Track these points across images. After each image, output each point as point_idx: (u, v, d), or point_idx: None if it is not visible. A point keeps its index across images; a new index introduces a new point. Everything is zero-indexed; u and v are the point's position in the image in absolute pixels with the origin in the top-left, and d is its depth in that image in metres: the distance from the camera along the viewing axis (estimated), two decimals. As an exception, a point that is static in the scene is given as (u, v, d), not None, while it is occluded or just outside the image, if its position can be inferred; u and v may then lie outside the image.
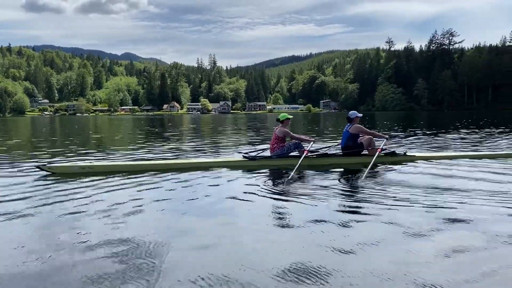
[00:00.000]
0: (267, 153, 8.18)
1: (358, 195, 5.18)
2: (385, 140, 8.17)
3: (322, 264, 2.94)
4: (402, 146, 11.70)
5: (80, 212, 4.44)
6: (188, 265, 2.98)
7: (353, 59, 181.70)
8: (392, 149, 8.52)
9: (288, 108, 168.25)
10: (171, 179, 6.46)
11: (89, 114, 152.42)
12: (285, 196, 5.21)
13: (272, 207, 4.73)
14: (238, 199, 5.07)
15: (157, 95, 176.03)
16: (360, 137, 8.24)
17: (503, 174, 6.62)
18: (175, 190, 5.65)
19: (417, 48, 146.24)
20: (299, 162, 6.96)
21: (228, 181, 6.34)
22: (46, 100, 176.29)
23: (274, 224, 4.00)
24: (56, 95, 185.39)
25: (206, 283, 2.67)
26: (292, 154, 7.88)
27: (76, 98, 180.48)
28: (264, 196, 5.20)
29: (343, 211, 4.42)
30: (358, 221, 4.01)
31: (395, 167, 7.44)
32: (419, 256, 3.07)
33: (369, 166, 6.82)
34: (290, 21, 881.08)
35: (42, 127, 33.65)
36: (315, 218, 4.09)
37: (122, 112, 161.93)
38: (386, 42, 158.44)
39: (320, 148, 8.78)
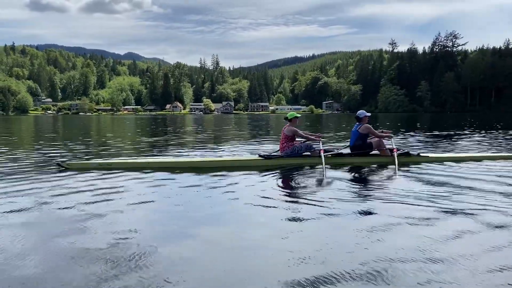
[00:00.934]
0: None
1: (388, 196, 5.12)
2: (392, 139, 8.23)
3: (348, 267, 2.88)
4: (411, 147, 11.74)
5: (94, 208, 4.52)
6: (200, 263, 3.01)
7: (356, 61, 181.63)
8: (406, 150, 8.52)
9: (290, 109, 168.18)
10: (187, 177, 6.56)
11: (92, 113, 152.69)
12: (308, 196, 5.22)
13: (299, 208, 4.64)
14: (257, 200, 4.99)
15: (160, 95, 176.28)
16: (370, 137, 8.28)
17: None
18: (190, 189, 5.70)
19: (420, 50, 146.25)
20: (323, 161, 7.12)
21: (245, 180, 6.35)
22: (49, 99, 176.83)
23: (297, 227, 3.90)
24: (59, 94, 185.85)
25: (219, 282, 2.68)
26: (304, 153, 7.94)
27: (79, 97, 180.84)
28: (288, 197, 5.31)
29: (375, 213, 4.34)
30: (392, 225, 3.88)
31: (413, 167, 7.42)
32: (460, 265, 2.95)
33: (396, 166, 7.20)
34: (294, 22, 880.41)
35: (49, 126, 33.84)
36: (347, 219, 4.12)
37: (125, 112, 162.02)
38: (389, 43, 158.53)
39: (333, 148, 8.78)
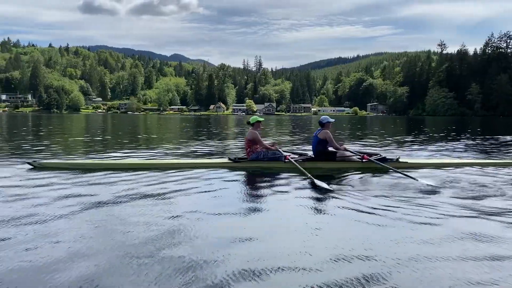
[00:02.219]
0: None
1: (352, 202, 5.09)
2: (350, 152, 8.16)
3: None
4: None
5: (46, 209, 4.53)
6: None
7: (403, 62, 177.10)
8: (382, 155, 8.13)
9: (333, 110, 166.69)
10: (154, 177, 6.64)
11: (139, 113, 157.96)
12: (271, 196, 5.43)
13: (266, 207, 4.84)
14: (221, 200, 5.18)
15: (204, 95, 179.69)
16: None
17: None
18: (156, 188, 5.79)
19: (470, 51, 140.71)
20: (299, 166, 7.10)
21: (214, 181, 6.43)
22: (99, 98, 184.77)
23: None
24: (109, 93, 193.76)
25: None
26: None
27: (127, 97, 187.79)
28: (255, 200, 5.32)
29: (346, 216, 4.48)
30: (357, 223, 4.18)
31: (381, 172, 7.30)
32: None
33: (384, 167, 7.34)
34: (337, 22, 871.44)
35: (101, 124, 35.50)
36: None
37: (171, 112, 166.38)
38: (438, 45, 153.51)
39: (298, 154, 8.66)
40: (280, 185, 6.22)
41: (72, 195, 5.26)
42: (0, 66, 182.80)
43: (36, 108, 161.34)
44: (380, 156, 8.05)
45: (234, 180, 6.63)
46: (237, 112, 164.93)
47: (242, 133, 20.67)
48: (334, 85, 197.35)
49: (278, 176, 6.93)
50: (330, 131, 8.09)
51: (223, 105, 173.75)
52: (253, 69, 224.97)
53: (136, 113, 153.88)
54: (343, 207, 4.80)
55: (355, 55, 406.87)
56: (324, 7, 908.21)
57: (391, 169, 7.22)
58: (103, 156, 10.21)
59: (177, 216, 4.30)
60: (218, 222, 4.21)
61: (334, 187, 5.87)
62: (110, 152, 11.17)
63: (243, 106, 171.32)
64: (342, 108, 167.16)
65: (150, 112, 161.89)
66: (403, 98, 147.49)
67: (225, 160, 8.24)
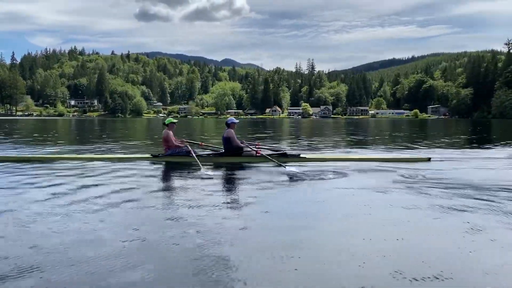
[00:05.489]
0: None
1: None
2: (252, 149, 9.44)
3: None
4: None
5: None
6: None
7: (466, 62, 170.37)
8: (284, 151, 9.79)
9: (392, 113, 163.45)
10: (72, 169, 8.14)
11: (198, 116, 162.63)
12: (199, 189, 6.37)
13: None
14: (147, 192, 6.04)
15: (260, 99, 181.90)
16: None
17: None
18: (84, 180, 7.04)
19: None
20: (197, 160, 8.53)
21: (133, 173, 7.76)
22: (159, 103, 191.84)
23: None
24: (168, 98, 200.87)
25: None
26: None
27: (185, 101, 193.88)
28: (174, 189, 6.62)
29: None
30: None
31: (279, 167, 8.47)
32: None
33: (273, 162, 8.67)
34: (389, 23, 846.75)
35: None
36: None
37: (228, 116, 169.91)
38: (505, 44, 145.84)
39: (209, 150, 10.42)
40: (183, 177, 7.65)
41: None
42: (69, 73, 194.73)
43: (102, 112, 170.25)
44: (282, 151, 9.79)
45: (153, 171, 8.20)
46: (293, 115, 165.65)
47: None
48: (392, 87, 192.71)
49: (186, 168, 8.47)
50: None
51: (278, 109, 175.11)
52: (306, 72, 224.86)
53: (195, 117, 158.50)
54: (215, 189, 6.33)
55: (410, 56, 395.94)
56: (375, 7, 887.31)
57: (273, 160, 8.74)
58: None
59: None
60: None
61: (218, 174, 7.81)
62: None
63: (298, 109, 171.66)
64: (401, 111, 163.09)
65: (208, 116, 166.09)
66: (467, 100, 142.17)
67: (147, 155, 9.92)
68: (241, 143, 9.56)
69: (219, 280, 2.84)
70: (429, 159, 9.56)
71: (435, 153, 11.64)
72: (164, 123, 9.69)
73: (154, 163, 9.15)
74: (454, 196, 5.64)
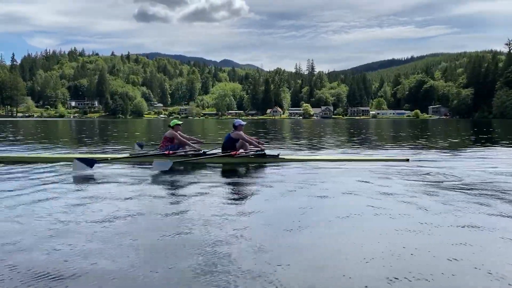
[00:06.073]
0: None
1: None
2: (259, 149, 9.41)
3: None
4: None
5: None
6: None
7: (466, 63, 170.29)
8: (264, 152, 9.51)
9: (393, 113, 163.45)
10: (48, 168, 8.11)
11: (199, 117, 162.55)
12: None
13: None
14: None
15: (261, 100, 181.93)
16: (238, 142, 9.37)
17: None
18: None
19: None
20: (188, 159, 9.05)
21: (115, 174, 7.70)
22: (160, 104, 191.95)
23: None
24: (169, 99, 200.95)
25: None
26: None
27: (186, 102, 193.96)
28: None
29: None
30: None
31: (265, 168, 8.60)
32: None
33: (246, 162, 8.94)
34: (388, 23, 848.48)
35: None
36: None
37: (229, 116, 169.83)
38: (506, 44, 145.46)
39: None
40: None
41: None
42: (69, 74, 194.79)
43: (103, 113, 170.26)
44: (262, 151, 9.46)
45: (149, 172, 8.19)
46: (293, 116, 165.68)
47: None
48: (393, 87, 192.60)
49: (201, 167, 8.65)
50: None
51: (279, 109, 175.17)
52: (305, 73, 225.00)
53: (196, 117, 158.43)
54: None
55: (409, 56, 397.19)
56: (374, 8, 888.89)
57: (252, 161, 9.09)
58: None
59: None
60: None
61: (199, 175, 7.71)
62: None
63: (299, 110, 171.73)
64: (402, 111, 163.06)
65: (209, 117, 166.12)
66: (468, 100, 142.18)
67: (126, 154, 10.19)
68: (258, 143, 9.60)
69: (217, 281, 2.85)
70: (407, 160, 9.57)
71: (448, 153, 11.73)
72: (169, 125, 9.86)
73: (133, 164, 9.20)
74: (444, 195, 5.64)
